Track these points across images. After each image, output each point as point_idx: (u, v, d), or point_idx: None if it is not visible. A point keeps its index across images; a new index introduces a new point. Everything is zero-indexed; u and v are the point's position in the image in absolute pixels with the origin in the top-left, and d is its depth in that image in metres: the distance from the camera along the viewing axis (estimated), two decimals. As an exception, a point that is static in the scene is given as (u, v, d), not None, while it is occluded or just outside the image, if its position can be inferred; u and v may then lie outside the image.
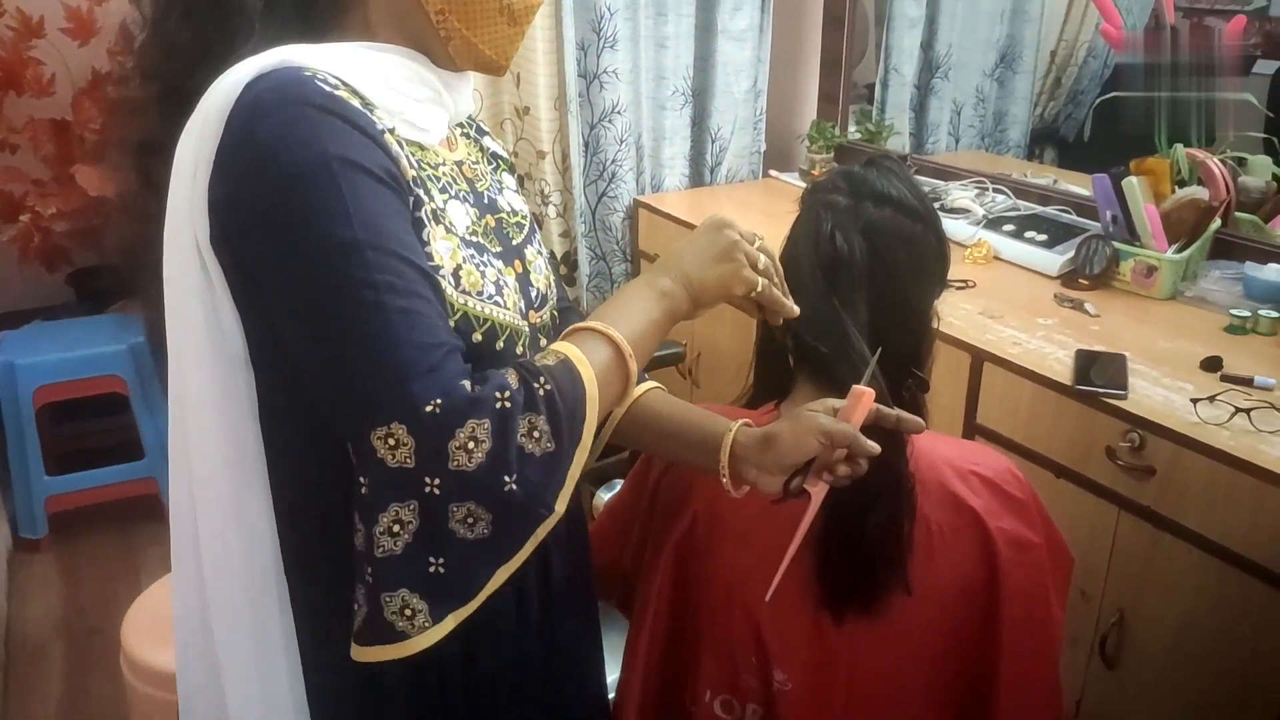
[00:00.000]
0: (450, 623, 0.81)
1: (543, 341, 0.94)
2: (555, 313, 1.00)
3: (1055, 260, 2.03)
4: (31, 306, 2.65)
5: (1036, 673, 0.99)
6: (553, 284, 1.00)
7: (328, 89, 0.76)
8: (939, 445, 1.00)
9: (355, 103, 0.77)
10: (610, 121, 2.70)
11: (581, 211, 2.73)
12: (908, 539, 0.92)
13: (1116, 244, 1.93)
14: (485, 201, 0.93)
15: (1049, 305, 1.90)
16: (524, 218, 0.98)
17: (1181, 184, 1.97)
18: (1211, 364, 1.60)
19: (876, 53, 2.85)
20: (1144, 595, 1.52)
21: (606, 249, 2.87)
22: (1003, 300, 1.92)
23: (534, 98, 2.58)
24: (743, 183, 2.98)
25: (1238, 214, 1.96)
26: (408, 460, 0.72)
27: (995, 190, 2.36)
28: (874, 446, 0.80)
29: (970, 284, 2.00)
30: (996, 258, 2.15)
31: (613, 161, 2.75)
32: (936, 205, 2.29)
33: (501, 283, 0.87)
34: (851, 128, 2.90)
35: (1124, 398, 1.51)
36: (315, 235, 0.73)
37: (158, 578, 1.88)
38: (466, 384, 0.73)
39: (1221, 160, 1.93)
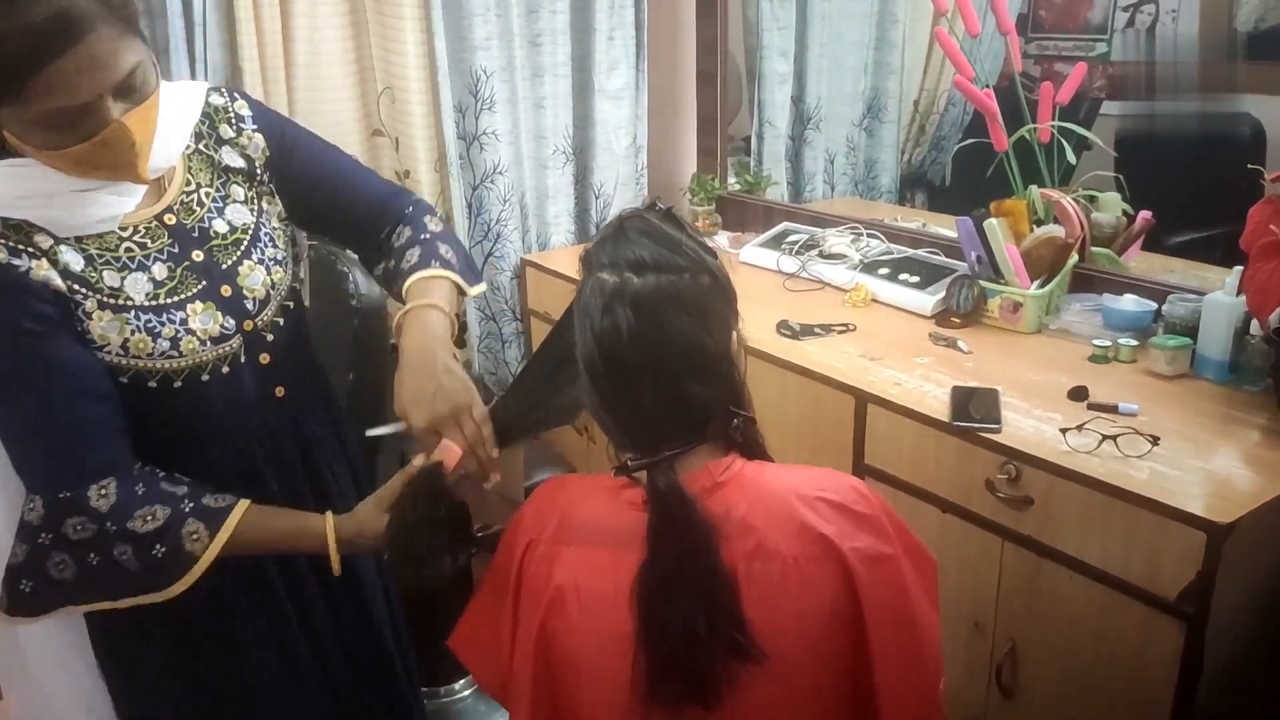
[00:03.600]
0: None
1: (269, 337, 1.18)
2: (289, 302, 1.21)
3: (928, 300, 2.10)
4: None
5: (914, 682, 0.98)
6: (285, 276, 1.21)
7: None
8: (783, 476, 1.00)
9: (1, 256, 0.99)
10: (493, 182, 2.69)
11: (468, 272, 2.70)
12: (741, 618, 0.92)
13: (983, 282, 2.01)
14: (195, 236, 1.14)
15: (925, 344, 1.96)
16: (243, 232, 1.18)
17: (1039, 223, 2.06)
18: (1078, 393, 1.66)
19: (750, 107, 2.93)
20: (1033, 623, 1.56)
21: (496, 309, 2.84)
22: (882, 342, 1.97)
23: (414, 161, 2.56)
24: (628, 237, 3.00)
25: (1093, 249, 2.07)
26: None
27: (870, 235, 2.43)
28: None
29: (851, 327, 2.05)
30: (874, 300, 2.21)
31: (497, 221, 2.74)
32: (814, 252, 2.39)
33: (182, 332, 1.09)
34: (731, 179, 2.96)
35: (998, 431, 1.56)
36: None
37: None
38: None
39: (1074, 199, 2.04)
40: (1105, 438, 1.48)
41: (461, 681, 2.27)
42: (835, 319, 2.09)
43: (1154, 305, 1.88)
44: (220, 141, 1.20)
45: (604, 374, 0.95)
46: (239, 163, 1.20)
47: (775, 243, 2.53)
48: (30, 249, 1.02)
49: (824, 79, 2.89)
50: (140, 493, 1.04)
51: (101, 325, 1.05)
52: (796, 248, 2.46)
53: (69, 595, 1.06)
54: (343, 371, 1.64)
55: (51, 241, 1.04)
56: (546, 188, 2.82)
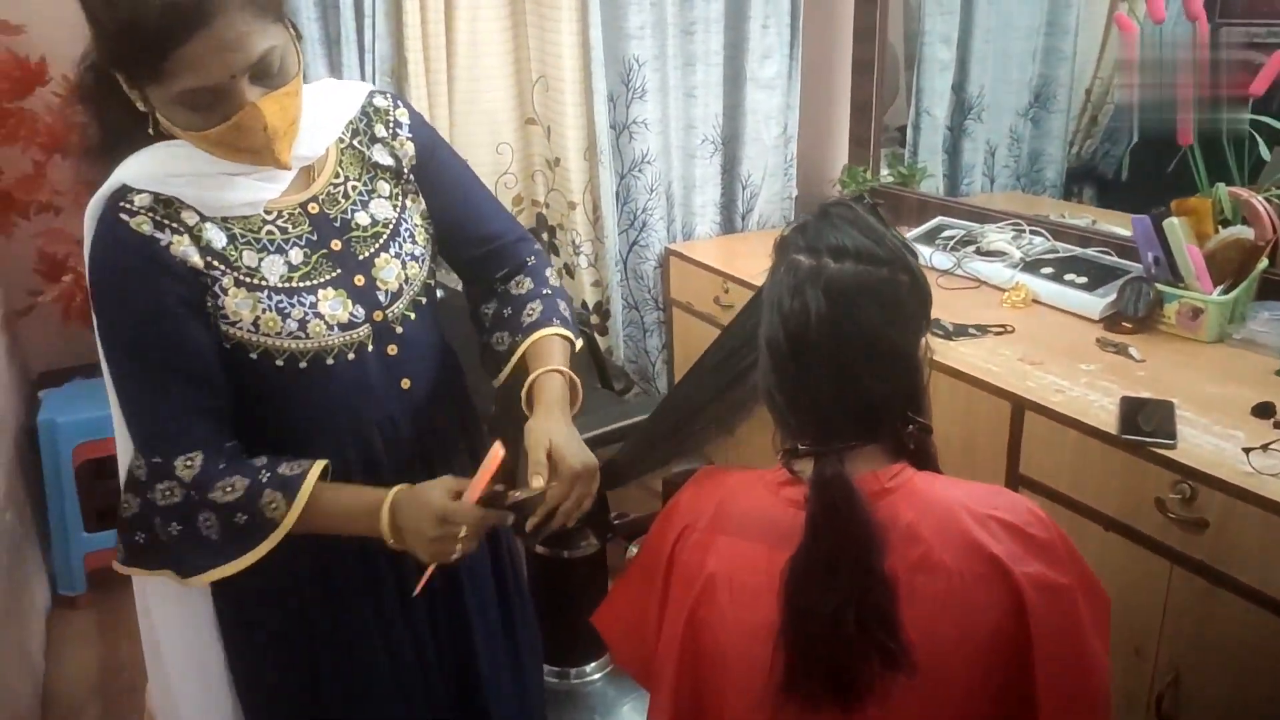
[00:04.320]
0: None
1: (398, 329, 1.20)
2: (422, 298, 1.24)
3: (1097, 303, 1.99)
4: (71, 365, 2.69)
5: (1077, 710, 0.93)
6: (420, 272, 1.24)
7: (123, 225, 1.06)
8: (954, 490, 0.96)
9: (146, 228, 1.06)
10: (640, 171, 2.70)
11: (615, 260, 2.73)
12: (896, 625, 0.89)
13: (1160, 286, 1.88)
14: (336, 226, 1.18)
15: (1091, 350, 1.85)
16: (384, 226, 1.22)
17: (1225, 223, 1.91)
18: (1263, 410, 1.54)
19: (907, 96, 2.84)
20: (1201, 652, 1.46)
21: (639, 298, 2.86)
22: (1042, 346, 1.88)
23: (564, 150, 2.60)
24: (775, 229, 2.95)
25: (1286, 253, 1.91)
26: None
27: (1032, 232, 2.32)
28: (498, 519, 1.02)
29: (1009, 329, 1.96)
30: (1035, 301, 2.10)
31: (643, 210, 2.75)
32: (970, 249, 2.29)
33: (310, 315, 1.13)
34: (884, 171, 2.88)
35: (1173, 447, 1.46)
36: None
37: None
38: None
39: (1266, 198, 1.88)
40: (1295, 460, 1.37)
41: (593, 665, 2.30)
42: (992, 319, 2.00)
43: (1356, 316, 1.72)
44: (374, 140, 1.23)
45: (786, 354, 0.94)
46: (388, 161, 1.23)
47: (929, 238, 2.44)
48: (175, 224, 1.08)
49: (988, 66, 2.76)
50: (222, 467, 1.10)
51: (236, 301, 1.10)
52: (952, 243, 2.36)
53: (174, 557, 1.12)
54: (480, 374, 1.65)
55: (198, 219, 1.09)
56: (694, 177, 2.81)
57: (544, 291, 1.31)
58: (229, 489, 1.09)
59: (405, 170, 1.25)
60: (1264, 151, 1.93)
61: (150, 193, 1.07)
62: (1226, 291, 1.84)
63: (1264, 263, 1.84)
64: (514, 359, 1.26)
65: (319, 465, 1.12)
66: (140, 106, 1.04)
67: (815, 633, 0.90)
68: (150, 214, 1.07)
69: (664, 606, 1.03)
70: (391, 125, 1.25)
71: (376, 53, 2.34)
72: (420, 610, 1.27)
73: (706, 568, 0.98)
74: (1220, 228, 1.89)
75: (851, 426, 0.95)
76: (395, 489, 1.11)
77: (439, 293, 1.32)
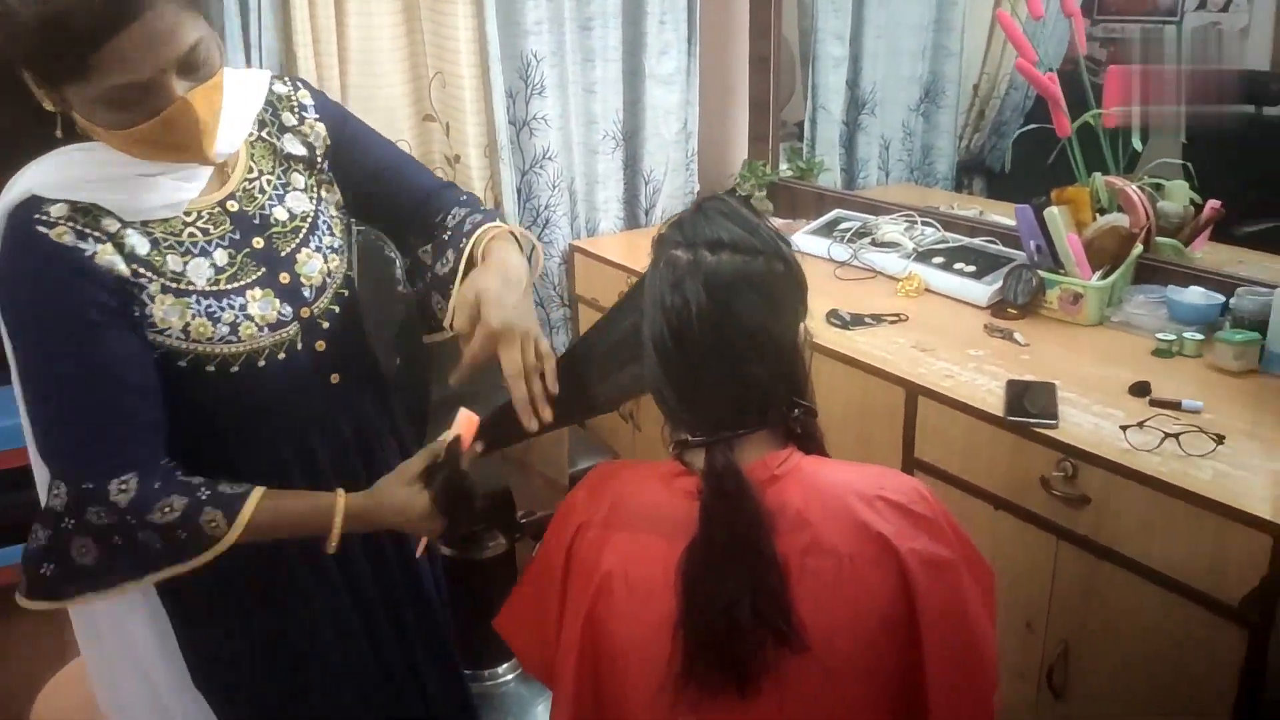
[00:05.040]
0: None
1: (324, 324, 1.19)
2: (344, 290, 1.22)
3: (984, 291, 2.05)
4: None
5: (967, 690, 0.96)
6: (341, 264, 1.22)
7: (42, 237, 1.00)
8: (841, 473, 0.99)
9: (68, 239, 1.00)
10: (542, 167, 2.69)
11: (517, 258, 2.71)
12: (788, 608, 0.90)
13: (1042, 273, 1.96)
14: (256, 223, 1.15)
15: (980, 336, 1.91)
16: (302, 219, 1.19)
17: (1102, 211, 2.00)
18: (1140, 389, 1.61)
19: (803, 92, 2.89)
20: (1087, 625, 1.52)
21: (544, 294, 2.84)
22: (934, 332, 1.93)
23: (463, 145, 2.56)
24: (678, 223, 2.98)
25: (1158, 239, 2.00)
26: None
27: (924, 223, 2.38)
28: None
29: (903, 317, 2.01)
30: (927, 290, 2.16)
31: (546, 207, 2.73)
32: (866, 240, 2.34)
33: (241, 318, 1.11)
34: (783, 165, 2.92)
35: (1055, 427, 1.51)
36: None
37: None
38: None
39: (1140, 187, 1.97)
40: (1167, 435, 1.43)
41: (505, 665, 2.28)
42: (887, 309, 2.05)
43: (1222, 298, 1.81)
44: (283, 129, 1.21)
45: (671, 349, 0.95)
46: (300, 150, 1.21)
47: (827, 230, 2.49)
48: (97, 233, 1.03)
49: (880, 63, 2.83)
50: (158, 487, 1.05)
51: (164, 309, 1.07)
52: (848, 235, 2.41)
53: (91, 580, 1.07)
54: (389, 355, 1.65)
55: (119, 225, 1.05)
56: (596, 173, 2.81)
57: (483, 209, 1.27)
58: (167, 509, 1.05)
59: (319, 158, 1.23)
60: (1136, 143, 2.02)
61: (66, 201, 1.02)
62: (1104, 277, 1.92)
63: (1138, 248, 1.93)
64: (462, 264, 1.19)
65: (259, 489, 1.09)
66: (50, 107, 0.99)
67: (712, 621, 0.91)
68: (70, 224, 1.01)
69: (563, 606, 1.03)
70: (297, 110, 1.22)
71: (263, 47, 2.26)
72: (368, 592, 1.29)
73: (603, 565, 0.98)
74: (1098, 216, 1.97)
75: (739, 415, 0.96)
76: (345, 496, 1.12)
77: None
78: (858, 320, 1.99)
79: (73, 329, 1.02)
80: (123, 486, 1.04)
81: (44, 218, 1.01)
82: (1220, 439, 1.42)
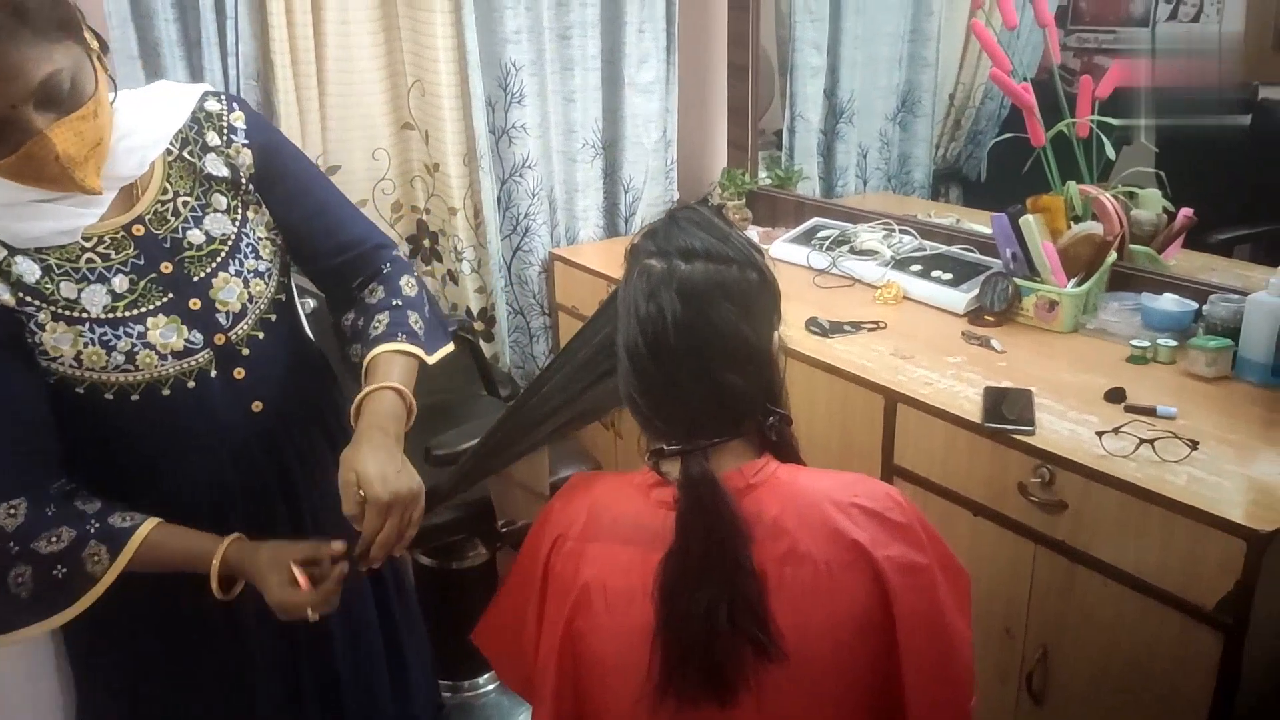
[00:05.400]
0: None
1: (244, 351, 1.15)
2: (271, 315, 1.19)
3: (961, 298, 2.07)
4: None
5: (944, 696, 0.97)
6: (266, 288, 1.18)
7: None
8: (817, 481, 0.99)
9: None
10: (521, 176, 2.69)
11: (499, 266, 2.71)
12: (765, 617, 0.90)
13: (1018, 280, 1.97)
14: (166, 247, 1.11)
15: (957, 343, 1.92)
16: (222, 242, 1.15)
17: (1077, 220, 2.02)
18: (1115, 395, 1.62)
19: (782, 100, 2.90)
20: (1065, 630, 1.53)
21: (524, 303, 2.84)
22: (913, 340, 1.94)
23: (443, 155, 2.56)
24: (658, 232, 2.98)
25: (1132, 246, 2.02)
26: None
27: (902, 231, 2.39)
28: (333, 589, 1.06)
29: (881, 325, 2.02)
30: (906, 297, 2.18)
31: (526, 215, 2.73)
32: (845, 248, 2.36)
33: (139, 346, 1.08)
34: (762, 174, 2.93)
35: (1032, 433, 1.52)
36: None
37: None
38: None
39: (1113, 195, 1.99)
40: (1142, 441, 1.45)
41: (485, 676, 2.27)
42: (866, 316, 2.06)
43: (1195, 305, 1.83)
44: (205, 149, 1.16)
45: (646, 358, 0.95)
46: (223, 171, 1.17)
47: (805, 238, 2.50)
48: None
49: (857, 72, 2.85)
50: (50, 514, 1.03)
51: (54, 337, 1.05)
52: (827, 244, 2.42)
53: None
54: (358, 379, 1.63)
55: (5, 253, 1.03)
56: (575, 182, 2.81)
57: (394, 303, 1.24)
58: (54, 539, 1.02)
59: (243, 180, 1.18)
60: (1110, 151, 2.04)
61: None
62: (1079, 284, 1.94)
63: (1113, 256, 1.95)
64: (363, 376, 1.19)
65: (150, 523, 1.06)
66: None
67: (691, 631, 0.91)
68: None
69: (541, 618, 1.02)
70: (225, 132, 1.17)
71: (240, 55, 2.25)
72: (277, 636, 1.22)
73: (581, 577, 0.97)
74: (1072, 224, 1.99)
75: (714, 423, 0.96)
76: (227, 544, 1.08)
77: (311, 303, 1.28)
78: (837, 328, 1.99)
79: None
80: (11, 511, 1.02)
81: None
82: (1194, 444, 1.43)
